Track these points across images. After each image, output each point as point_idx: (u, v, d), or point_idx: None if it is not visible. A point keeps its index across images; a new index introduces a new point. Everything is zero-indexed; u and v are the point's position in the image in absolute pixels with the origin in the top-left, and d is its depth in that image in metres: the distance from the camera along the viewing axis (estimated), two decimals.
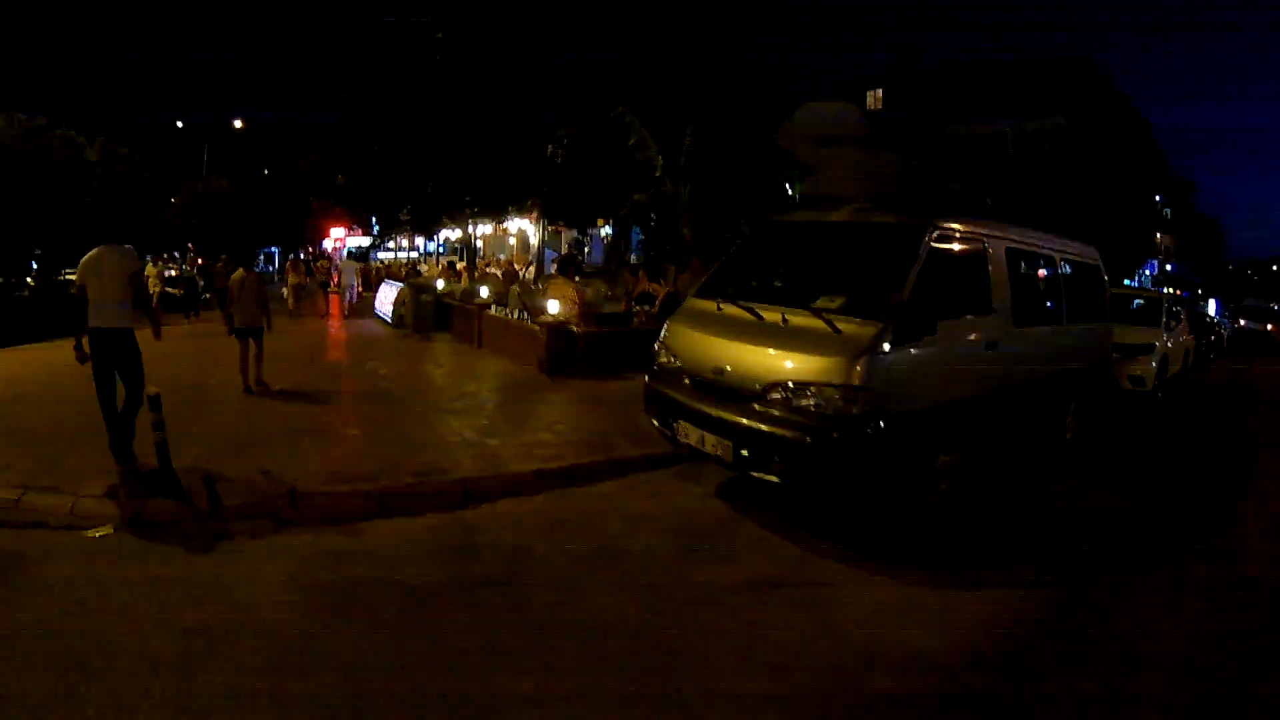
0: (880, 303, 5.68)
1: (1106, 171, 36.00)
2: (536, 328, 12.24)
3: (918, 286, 5.81)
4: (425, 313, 17.09)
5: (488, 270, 25.96)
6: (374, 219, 38.30)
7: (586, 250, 24.36)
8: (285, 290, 20.91)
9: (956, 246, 6.49)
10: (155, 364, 7.23)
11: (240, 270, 10.30)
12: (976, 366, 6.50)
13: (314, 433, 8.09)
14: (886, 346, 5.46)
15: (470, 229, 25.43)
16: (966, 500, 6.61)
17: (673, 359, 6.62)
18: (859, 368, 5.34)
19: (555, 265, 30.38)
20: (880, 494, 6.01)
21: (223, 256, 37.90)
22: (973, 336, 6.53)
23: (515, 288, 16.32)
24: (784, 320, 5.92)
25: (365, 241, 56.78)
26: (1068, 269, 8.61)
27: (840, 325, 5.60)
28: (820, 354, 5.53)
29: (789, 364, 5.64)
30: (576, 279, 15.53)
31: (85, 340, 6.51)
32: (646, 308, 14.50)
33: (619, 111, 13.70)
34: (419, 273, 23.23)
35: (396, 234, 43.82)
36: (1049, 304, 8.13)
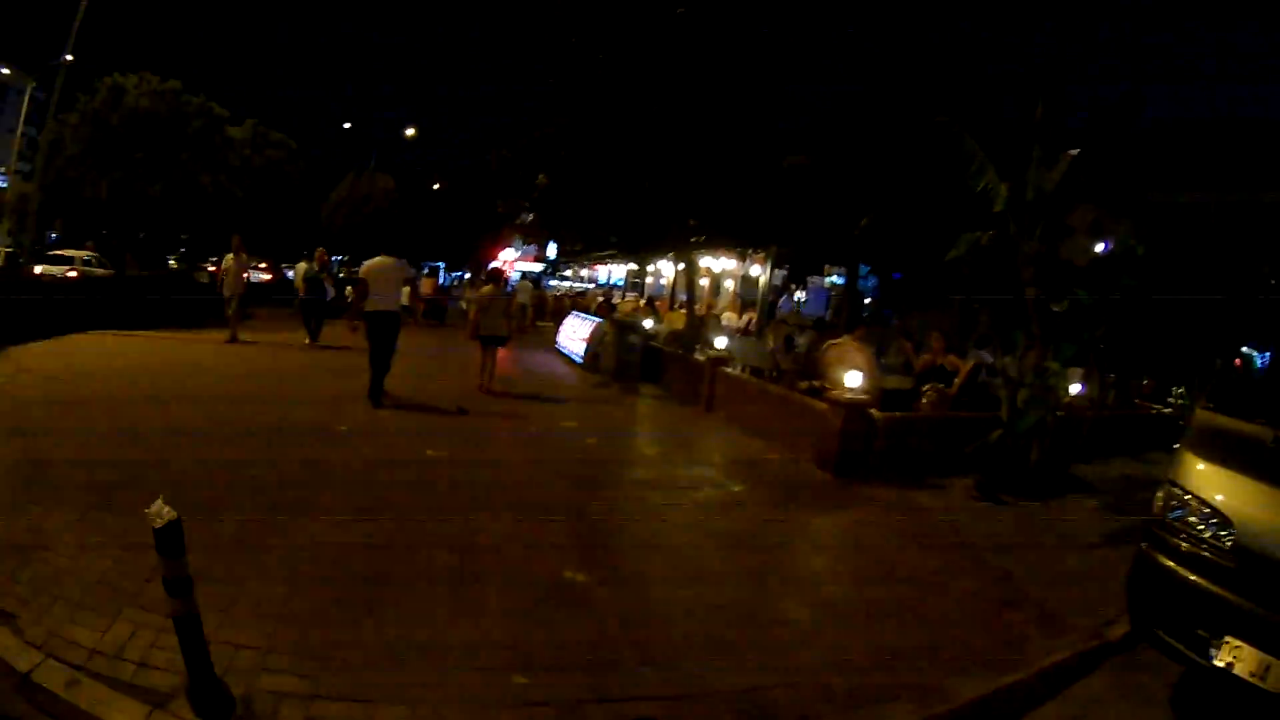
0: None
1: None
2: (824, 405, 8.30)
3: None
4: (631, 357, 13.57)
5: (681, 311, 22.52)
6: (553, 242, 35.90)
7: (803, 299, 20.55)
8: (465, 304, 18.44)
9: None
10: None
11: (490, 285, 11.20)
12: None
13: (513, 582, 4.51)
14: None
15: (672, 264, 22.09)
16: None
17: (1216, 525, 3.94)
18: None
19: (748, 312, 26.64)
20: None
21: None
22: None
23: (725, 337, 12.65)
24: None
25: (537, 267, 55.37)
26: None
27: None
28: None
29: None
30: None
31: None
32: (941, 387, 10.31)
33: (941, 121, 9.61)
34: (613, 306, 20.05)
35: (574, 261, 41.57)
36: None
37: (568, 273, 44.96)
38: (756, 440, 9.40)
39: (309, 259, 16.01)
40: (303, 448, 7.06)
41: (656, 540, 5.55)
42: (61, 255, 23.26)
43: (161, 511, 2.82)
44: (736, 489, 7.26)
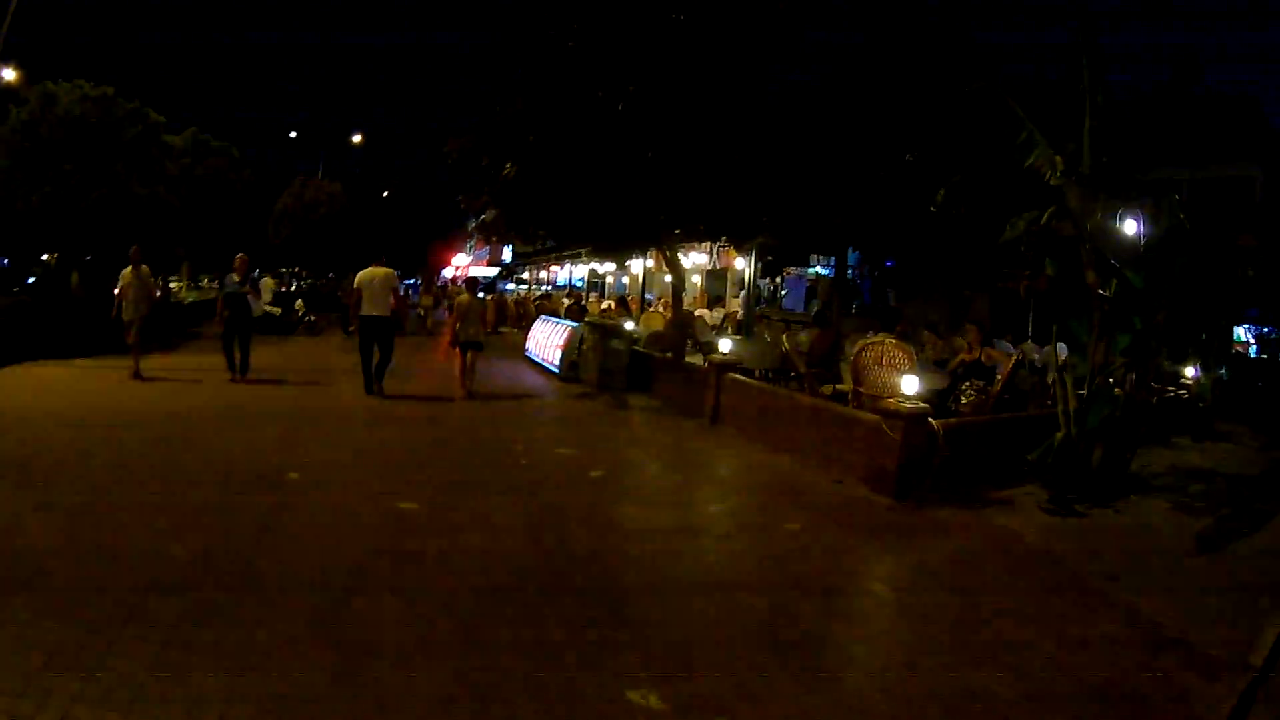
0: None
1: None
2: (873, 416, 6.98)
3: None
4: (615, 365, 12.13)
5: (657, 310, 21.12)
6: (512, 243, 34.18)
7: (784, 292, 19.25)
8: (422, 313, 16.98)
9: None
10: None
11: (467, 295, 11.64)
12: None
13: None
14: None
15: (641, 260, 20.64)
16: None
17: None
18: None
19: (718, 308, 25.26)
20: None
21: (329, 275, 32.72)
22: None
23: (727, 339, 11.33)
24: None
25: (490, 272, 53.32)
26: None
27: None
28: None
29: None
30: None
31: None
32: (981, 385, 9.12)
33: (976, 87, 8.34)
34: (585, 309, 18.55)
35: (533, 262, 39.81)
36: None
37: (524, 275, 43.05)
38: (783, 458, 8.04)
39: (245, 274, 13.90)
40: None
41: (729, 618, 4.14)
42: None
43: None
44: (792, 527, 5.87)
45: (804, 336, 12.72)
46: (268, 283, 24.92)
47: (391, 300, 10.62)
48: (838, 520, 6.11)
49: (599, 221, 11.71)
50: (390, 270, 10.73)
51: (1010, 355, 9.35)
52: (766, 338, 13.29)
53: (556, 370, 13.80)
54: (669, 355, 12.03)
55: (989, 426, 8.08)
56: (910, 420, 6.72)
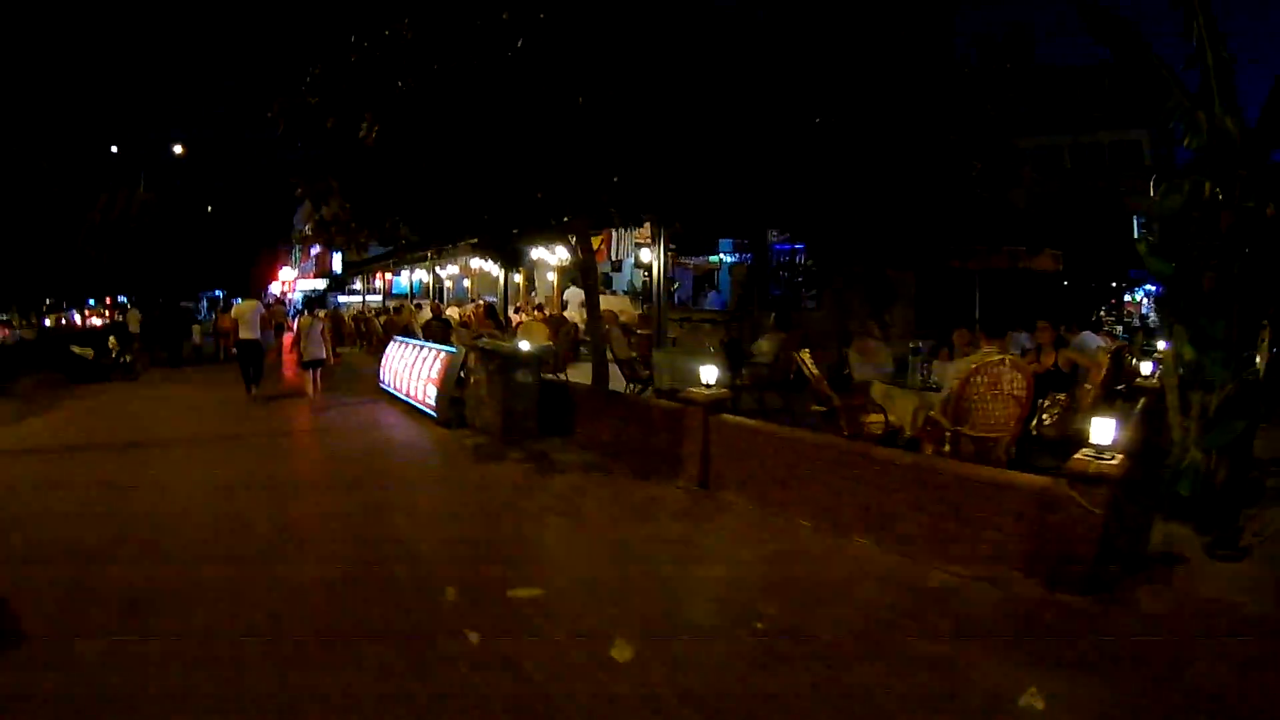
0: None
1: None
2: (1035, 481, 4.19)
3: None
4: (523, 403, 8.75)
5: (523, 316, 17.67)
6: (342, 253, 29.36)
7: (675, 286, 16.27)
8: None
9: None
10: None
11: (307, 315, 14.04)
12: None
13: None
14: None
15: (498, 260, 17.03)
16: None
17: None
18: None
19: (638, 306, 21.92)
20: None
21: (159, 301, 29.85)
22: None
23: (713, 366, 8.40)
24: None
25: (319, 284, 47.38)
26: None
27: None
28: None
29: None
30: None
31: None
32: (1063, 399, 6.61)
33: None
34: (447, 324, 14.77)
35: (365, 272, 34.91)
36: None
37: (357, 286, 37.81)
38: (859, 542, 5.18)
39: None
40: None
41: None
42: None
43: None
44: (987, 675, 2.96)
45: (765, 344, 9.90)
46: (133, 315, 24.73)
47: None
48: (1040, 652, 3.32)
49: (504, 199, 8.26)
50: (256, 301, 14.03)
51: (1094, 353, 6.86)
52: (710, 348, 10.36)
53: (433, 414, 10.21)
54: (597, 387, 8.79)
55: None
56: (1098, 485, 3.98)
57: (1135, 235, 20.61)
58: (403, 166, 7.58)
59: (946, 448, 5.86)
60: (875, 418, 6.69)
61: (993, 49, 11.24)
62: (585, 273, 9.36)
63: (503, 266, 14.78)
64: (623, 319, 15.98)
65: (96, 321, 36.80)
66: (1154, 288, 24.46)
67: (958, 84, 10.79)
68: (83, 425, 10.88)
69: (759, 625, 4.16)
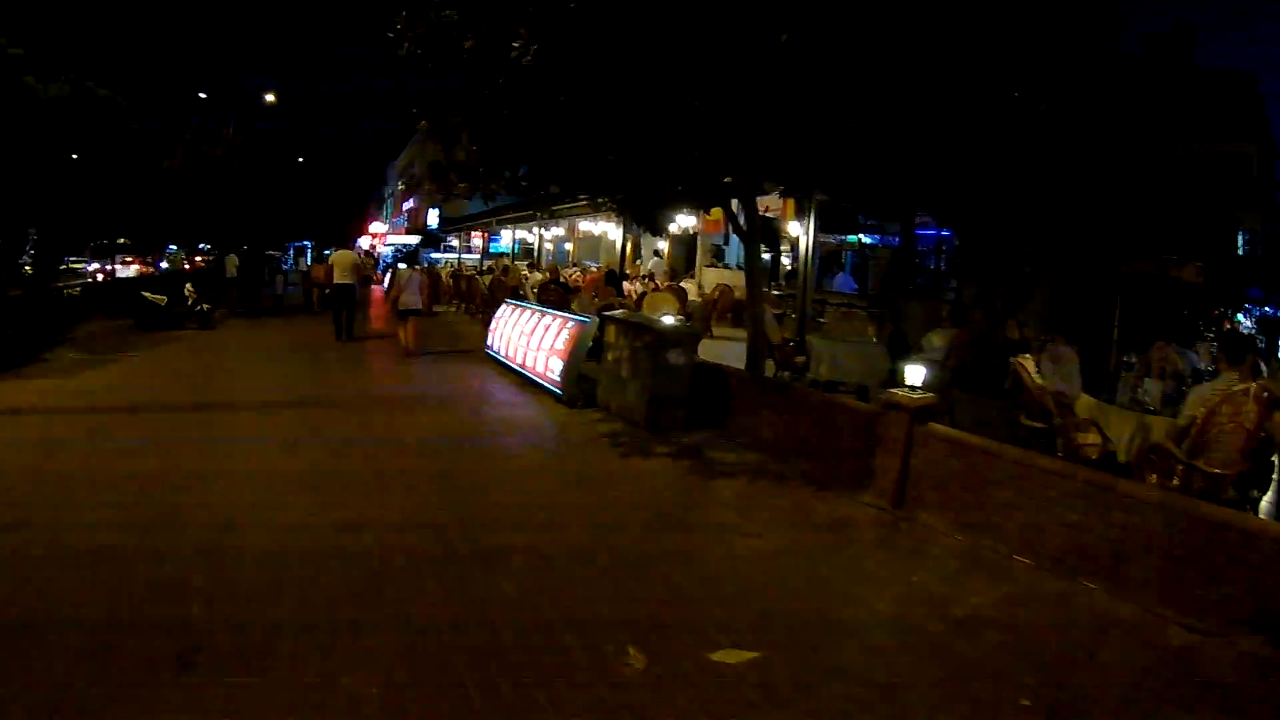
0: None
1: None
2: None
3: None
4: (674, 389, 7.59)
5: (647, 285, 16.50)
6: (469, 197, 28.63)
7: (786, 267, 14.79)
8: None
9: None
10: None
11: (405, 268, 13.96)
12: None
13: None
14: None
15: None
16: None
17: None
18: None
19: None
20: None
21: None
22: None
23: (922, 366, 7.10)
24: None
25: (411, 240, 47.04)
26: None
27: None
28: None
29: None
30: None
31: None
32: None
33: None
34: (566, 287, 13.67)
35: (466, 229, 34.22)
36: None
37: (453, 243, 37.25)
38: (1086, 585, 4.25)
39: None
40: None
41: None
42: None
43: None
44: None
45: (936, 339, 8.48)
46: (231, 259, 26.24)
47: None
48: None
49: (668, 151, 7.08)
50: (351, 252, 15.89)
51: None
52: (870, 337, 9.01)
53: (555, 390, 9.13)
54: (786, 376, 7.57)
55: None
56: None
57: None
58: (555, 102, 6.39)
59: (1176, 481, 5.08)
60: (1091, 438, 5.93)
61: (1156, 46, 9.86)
62: (748, 242, 8.04)
63: (643, 230, 13.48)
64: (736, 294, 14.71)
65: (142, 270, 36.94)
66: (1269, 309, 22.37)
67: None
68: (140, 381, 10.18)
69: (1024, 703, 3.20)
